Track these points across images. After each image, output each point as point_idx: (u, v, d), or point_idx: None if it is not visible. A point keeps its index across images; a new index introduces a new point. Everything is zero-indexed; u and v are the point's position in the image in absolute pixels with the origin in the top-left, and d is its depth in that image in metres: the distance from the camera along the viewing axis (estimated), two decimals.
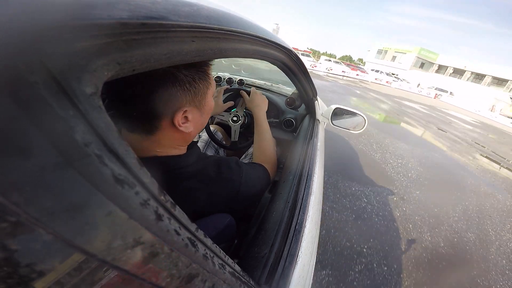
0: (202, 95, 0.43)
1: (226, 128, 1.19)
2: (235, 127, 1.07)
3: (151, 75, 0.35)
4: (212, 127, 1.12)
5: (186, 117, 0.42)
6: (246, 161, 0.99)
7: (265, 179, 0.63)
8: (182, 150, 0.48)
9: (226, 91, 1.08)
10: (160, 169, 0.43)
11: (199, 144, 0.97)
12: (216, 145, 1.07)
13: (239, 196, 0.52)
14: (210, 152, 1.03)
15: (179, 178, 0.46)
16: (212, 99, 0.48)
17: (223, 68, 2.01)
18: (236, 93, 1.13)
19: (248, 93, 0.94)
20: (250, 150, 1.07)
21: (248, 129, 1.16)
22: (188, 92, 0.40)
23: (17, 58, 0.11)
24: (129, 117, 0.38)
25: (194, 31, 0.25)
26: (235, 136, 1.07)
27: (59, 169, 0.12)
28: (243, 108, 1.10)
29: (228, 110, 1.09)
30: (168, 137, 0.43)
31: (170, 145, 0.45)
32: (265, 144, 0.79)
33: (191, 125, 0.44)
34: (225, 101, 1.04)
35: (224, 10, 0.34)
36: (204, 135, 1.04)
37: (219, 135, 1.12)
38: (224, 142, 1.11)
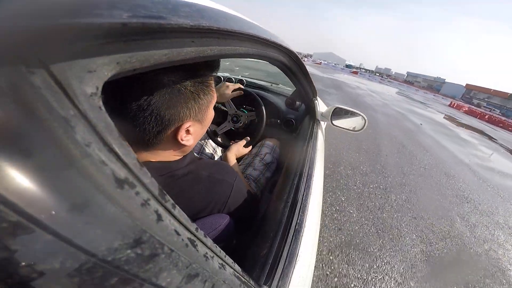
0: (205, 109, 0.43)
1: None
2: (229, 125, 1.10)
3: (158, 89, 0.34)
4: None
5: (188, 131, 0.42)
6: (247, 161, 0.99)
7: (252, 196, 0.63)
8: (177, 158, 0.48)
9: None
10: (152, 173, 0.43)
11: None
12: (213, 144, 1.07)
13: (230, 198, 0.51)
14: (208, 150, 1.03)
15: (172, 180, 0.45)
16: (212, 110, 0.48)
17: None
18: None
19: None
20: (253, 150, 1.07)
21: (248, 129, 1.16)
22: (192, 108, 0.40)
23: (18, 58, 0.11)
24: (130, 132, 0.37)
25: (194, 31, 0.25)
26: (220, 130, 1.10)
27: (59, 169, 0.12)
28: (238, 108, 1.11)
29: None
30: (167, 150, 0.44)
31: (167, 156, 0.45)
32: None
33: (192, 138, 0.44)
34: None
35: (224, 10, 0.34)
36: None
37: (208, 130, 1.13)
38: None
